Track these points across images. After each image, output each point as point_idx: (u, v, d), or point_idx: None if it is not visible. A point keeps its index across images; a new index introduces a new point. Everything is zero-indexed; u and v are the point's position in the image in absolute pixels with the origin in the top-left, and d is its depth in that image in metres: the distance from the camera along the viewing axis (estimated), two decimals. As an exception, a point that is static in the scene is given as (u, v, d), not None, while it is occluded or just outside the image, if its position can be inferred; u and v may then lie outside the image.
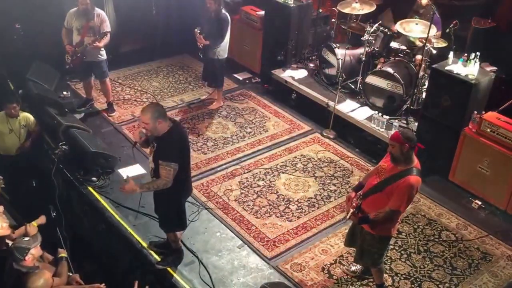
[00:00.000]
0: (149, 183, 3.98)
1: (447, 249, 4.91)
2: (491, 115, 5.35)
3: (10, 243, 3.96)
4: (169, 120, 3.94)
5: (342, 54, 6.53)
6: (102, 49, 6.12)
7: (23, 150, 5.50)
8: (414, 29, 6.15)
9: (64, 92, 6.79)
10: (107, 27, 6.03)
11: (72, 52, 6.01)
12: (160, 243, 4.70)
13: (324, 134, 6.47)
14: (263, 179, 5.65)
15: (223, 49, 6.44)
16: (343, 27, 6.86)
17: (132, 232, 4.84)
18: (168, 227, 4.41)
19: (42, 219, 4.35)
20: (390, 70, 6.16)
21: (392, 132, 5.90)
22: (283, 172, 5.78)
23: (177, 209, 4.29)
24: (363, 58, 6.51)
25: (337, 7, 6.74)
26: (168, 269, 4.51)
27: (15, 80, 6.30)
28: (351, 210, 3.84)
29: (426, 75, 6.08)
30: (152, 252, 4.66)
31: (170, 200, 4.17)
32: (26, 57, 6.75)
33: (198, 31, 6.27)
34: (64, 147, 5.47)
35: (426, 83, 6.02)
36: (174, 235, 4.45)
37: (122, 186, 3.89)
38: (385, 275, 4.49)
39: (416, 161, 3.79)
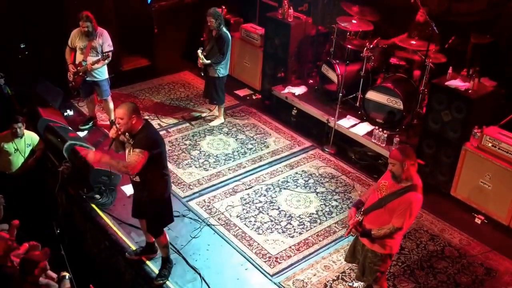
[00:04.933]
0: (118, 161, 4.02)
1: (450, 265, 4.88)
2: (492, 130, 5.36)
3: (15, 260, 3.98)
4: (142, 119, 4.08)
5: (341, 70, 6.59)
6: (104, 68, 6.20)
7: (27, 168, 5.54)
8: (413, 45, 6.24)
9: (68, 110, 6.88)
10: (109, 46, 6.09)
11: (74, 71, 6.09)
12: (142, 250, 4.74)
13: (325, 149, 6.50)
14: (264, 195, 5.66)
15: (224, 66, 6.52)
16: (342, 43, 6.93)
17: (134, 249, 4.83)
18: (160, 226, 4.41)
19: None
20: (389, 85, 6.21)
21: (393, 147, 5.94)
22: (284, 188, 5.78)
23: (167, 204, 4.38)
24: (363, 74, 6.57)
25: (337, 21, 6.83)
26: (170, 285, 4.49)
27: (20, 99, 6.37)
28: (352, 225, 3.84)
29: (426, 90, 6.11)
30: (153, 268, 4.64)
31: (161, 198, 4.25)
32: (30, 76, 6.84)
33: (200, 52, 6.36)
34: (67, 164, 5.51)
35: (426, 98, 6.06)
36: (165, 239, 4.47)
37: (86, 153, 4.02)
38: (388, 291, 4.46)
39: (417, 178, 3.79)
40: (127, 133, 4.07)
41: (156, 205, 4.27)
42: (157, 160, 4.07)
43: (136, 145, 3.97)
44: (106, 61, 6.08)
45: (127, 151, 4.14)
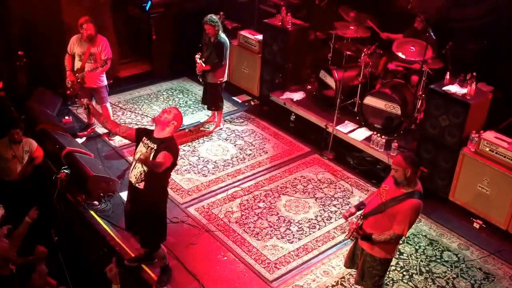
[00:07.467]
0: (153, 160, 4.04)
1: (449, 269, 4.88)
2: (489, 135, 5.38)
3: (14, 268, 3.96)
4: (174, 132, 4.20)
5: (339, 75, 6.62)
6: (102, 75, 6.21)
7: (25, 175, 5.54)
8: (410, 51, 6.28)
9: (66, 117, 6.89)
10: (107, 54, 6.10)
11: (72, 78, 6.10)
12: (141, 256, 4.72)
13: (324, 155, 6.51)
14: (263, 201, 5.66)
15: (222, 73, 6.54)
16: (340, 49, 6.97)
17: (133, 255, 4.82)
18: (156, 240, 4.40)
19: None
20: (387, 91, 6.23)
21: (391, 152, 5.96)
22: (283, 194, 5.79)
23: (163, 217, 4.38)
24: (361, 80, 6.60)
25: (335, 27, 6.87)
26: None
27: (18, 106, 6.37)
28: (352, 228, 3.85)
29: (423, 95, 6.14)
30: (152, 275, 4.63)
31: (160, 210, 4.27)
32: (28, 83, 6.85)
33: (198, 57, 6.39)
34: (65, 171, 5.50)
35: (424, 104, 6.08)
36: (163, 250, 4.48)
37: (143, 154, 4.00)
38: (387, 296, 4.46)
39: (418, 184, 3.81)
40: (145, 137, 4.13)
41: (153, 217, 4.26)
42: (169, 171, 4.16)
43: (165, 149, 4.02)
44: (101, 68, 6.07)
45: (142, 152, 4.09)
